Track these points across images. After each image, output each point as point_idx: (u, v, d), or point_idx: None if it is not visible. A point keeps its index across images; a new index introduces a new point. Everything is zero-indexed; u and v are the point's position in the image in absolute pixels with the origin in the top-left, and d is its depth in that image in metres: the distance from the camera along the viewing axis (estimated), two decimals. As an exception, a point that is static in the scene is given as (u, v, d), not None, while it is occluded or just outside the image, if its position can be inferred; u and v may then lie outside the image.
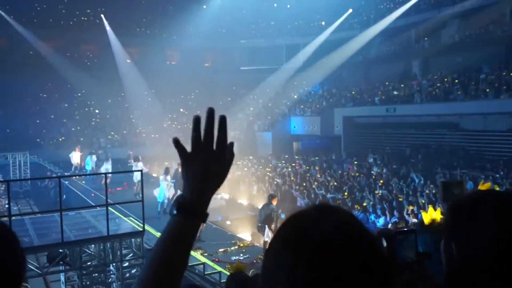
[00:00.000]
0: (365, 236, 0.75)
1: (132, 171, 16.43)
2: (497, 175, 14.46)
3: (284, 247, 0.74)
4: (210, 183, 0.99)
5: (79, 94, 29.22)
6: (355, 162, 19.77)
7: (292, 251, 0.72)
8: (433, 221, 1.72)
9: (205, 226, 10.94)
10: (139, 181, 15.91)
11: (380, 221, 12.03)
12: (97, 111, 29.27)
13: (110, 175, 16.69)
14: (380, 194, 13.55)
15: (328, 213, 0.77)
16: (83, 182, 18.25)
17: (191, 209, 0.98)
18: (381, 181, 15.20)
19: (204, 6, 31.27)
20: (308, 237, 0.73)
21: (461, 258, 0.97)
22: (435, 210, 2.11)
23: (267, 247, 0.83)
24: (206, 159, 0.99)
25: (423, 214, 1.76)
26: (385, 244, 1.21)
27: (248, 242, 10.91)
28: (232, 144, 1.02)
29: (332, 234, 0.73)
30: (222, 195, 15.39)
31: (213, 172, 0.99)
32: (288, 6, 32.42)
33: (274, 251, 0.76)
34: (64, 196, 16.43)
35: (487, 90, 18.49)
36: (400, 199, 12.80)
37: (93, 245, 8.14)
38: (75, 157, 20.72)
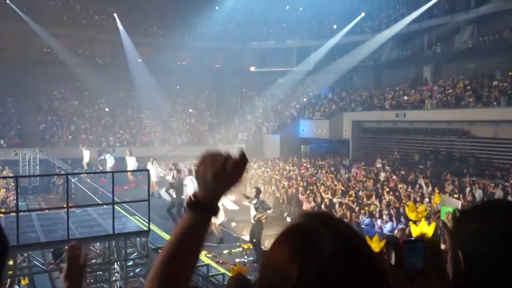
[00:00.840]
0: (367, 252, 0.79)
1: (140, 170, 16.60)
2: (507, 183, 14.30)
3: (290, 260, 0.75)
4: (220, 182, 1.04)
5: (90, 92, 29.50)
6: (363, 167, 19.68)
7: (300, 265, 0.74)
8: (422, 235, 1.69)
9: (220, 230, 11.01)
10: (156, 181, 16.11)
11: (387, 227, 11.96)
12: (107, 109, 29.52)
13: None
14: (387, 200, 13.48)
15: (330, 227, 0.79)
16: (88, 179, 18.38)
17: (200, 204, 1.04)
18: (387, 188, 15.09)
19: (217, 7, 31.41)
20: (317, 251, 0.75)
21: (468, 268, 0.96)
22: (429, 224, 2.09)
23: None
24: (216, 160, 1.04)
25: (412, 226, 1.75)
26: (393, 253, 1.21)
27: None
28: (242, 149, 1.08)
29: (338, 249, 0.75)
30: (229, 196, 15.39)
31: (224, 173, 1.03)
32: (300, 8, 32.42)
33: (277, 262, 0.77)
34: (73, 195, 16.61)
35: (500, 97, 18.30)
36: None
37: (98, 243, 8.22)
38: (85, 155, 20.94)
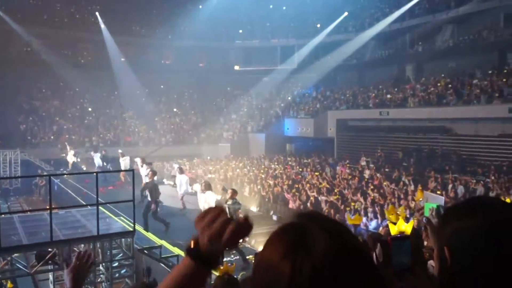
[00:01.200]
0: (359, 249, 0.80)
1: (124, 170, 16.43)
2: (488, 180, 14.56)
3: (283, 259, 0.76)
4: (215, 245, 0.98)
5: (72, 92, 29.06)
6: (347, 165, 19.81)
7: (293, 264, 0.74)
8: (401, 233, 1.70)
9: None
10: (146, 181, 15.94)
11: (372, 224, 12.07)
12: (90, 109, 29.13)
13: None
14: (372, 197, 13.59)
15: (322, 225, 0.80)
16: (71, 180, 18.16)
17: (200, 255, 0.98)
18: (371, 185, 15.22)
19: (200, 6, 31.24)
20: (309, 250, 0.76)
21: (453, 264, 0.99)
22: (407, 222, 2.09)
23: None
24: (215, 223, 0.98)
25: (390, 226, 1.74)
26: (380, 250, 1.22)
27: (239, 243, 10.81)
28: (247, 215, 1.03)
29: (330, 247, 0.76)
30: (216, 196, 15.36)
31: (219, 238, 0.97)
32: (284, 7, 32.49)
33: (270, 261, 0.78)
34: (56, 196, 16.33)
35: (480, 95, 18.64)
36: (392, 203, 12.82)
37: (82, 245, 8.08)
38: (70, 155, 20.70)
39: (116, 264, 8.37)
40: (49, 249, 7.46)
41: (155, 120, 29.33)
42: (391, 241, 1.22)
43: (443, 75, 22.46)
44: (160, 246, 9.12)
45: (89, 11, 29.86)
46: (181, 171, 14.94)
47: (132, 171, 10.25)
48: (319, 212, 0.89)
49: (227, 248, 0.99)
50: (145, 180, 14.85)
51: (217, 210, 0.99)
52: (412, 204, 12.58)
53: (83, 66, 28.04)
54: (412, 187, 14.38)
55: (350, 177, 17.18)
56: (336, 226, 0.82)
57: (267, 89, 31.97)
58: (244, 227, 0.98)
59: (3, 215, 8.70)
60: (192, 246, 0.99)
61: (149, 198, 12.07)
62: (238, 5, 30.34)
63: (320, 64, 29.01)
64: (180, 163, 20.95)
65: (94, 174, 9.83)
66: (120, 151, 19.51)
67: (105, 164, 19.78)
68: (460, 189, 13.87)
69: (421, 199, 12.55)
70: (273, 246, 0.80)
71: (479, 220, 0.97)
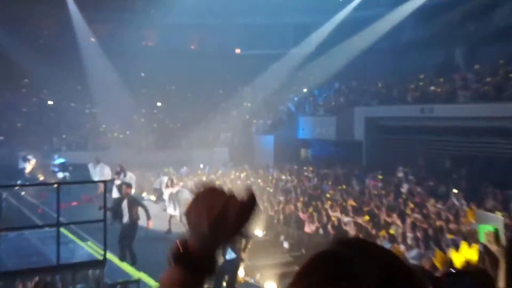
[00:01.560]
0: (415, 280, 0.82)
1: (100, 181, 16.43)
2: None
3: None
4: (218, 233, 0.99)
5: (28, 81, 29.12)
6: (380, 177, 19.75)
7: None
8: (468, 263, 1.62)
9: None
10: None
11: (412, 254, 11.91)
12: (50, 102, 29.18)
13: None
14: (412, 219, 13.47)
15: (368, 254, 0.82)
16: (23, 193, 18.19)
17: (190, 260, 0.99)
18: (411, 204, 15.12)
19: (192, -27, 31.33)
20: (355, 283, 0.77)
21: None
22: (469, 247, 1.98)
23: None
24: (214, 205, 0.99)
25: (454, 254, 1.64)
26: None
27: (241, 278, 10.73)
28: (250, 188, 1.05)
29: (380, 280, 0.78)
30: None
31: (223, 223, 0.99)
32: (299, -25, 32.52)
33: None
34: (6, 214, 16.28)
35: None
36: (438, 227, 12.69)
37: (37, 277, 8.01)
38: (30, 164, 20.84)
39: (81, 303, 8.33)
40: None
41: (133, 118, 29.36)
42: (446, 278, 1.40)
43: (502, 61, 22.37)
44: (138, 281, 9.09)
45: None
46: (172, 183, 15.11)
47: (105, 183, 10.21)
48: (360, 238, 0.92)
49: (232, 238, 1.01)
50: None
51: (212, 192, 1.01)
52: (464, 229, 12.43)
53: (42, 48, 28.13)
54: (465, 206, 14.22)
55: (383, 192, 17.13)
56: (385, 253, 0.85)
57: (276, 79, 31.90)
58: (249, 204, 1.00)
59: None
60: (180, 250, 1.00)
61: (125, 220, 11.98)
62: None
63: (344, 47, 29.01)
64: (167, 173, 20.94)
65: (55, 186, 9.76)
66: (90, 164, 19.51)
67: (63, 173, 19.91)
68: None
69: (473, 221, 12.40)
70: (308, 280, 0.81)
71: None
